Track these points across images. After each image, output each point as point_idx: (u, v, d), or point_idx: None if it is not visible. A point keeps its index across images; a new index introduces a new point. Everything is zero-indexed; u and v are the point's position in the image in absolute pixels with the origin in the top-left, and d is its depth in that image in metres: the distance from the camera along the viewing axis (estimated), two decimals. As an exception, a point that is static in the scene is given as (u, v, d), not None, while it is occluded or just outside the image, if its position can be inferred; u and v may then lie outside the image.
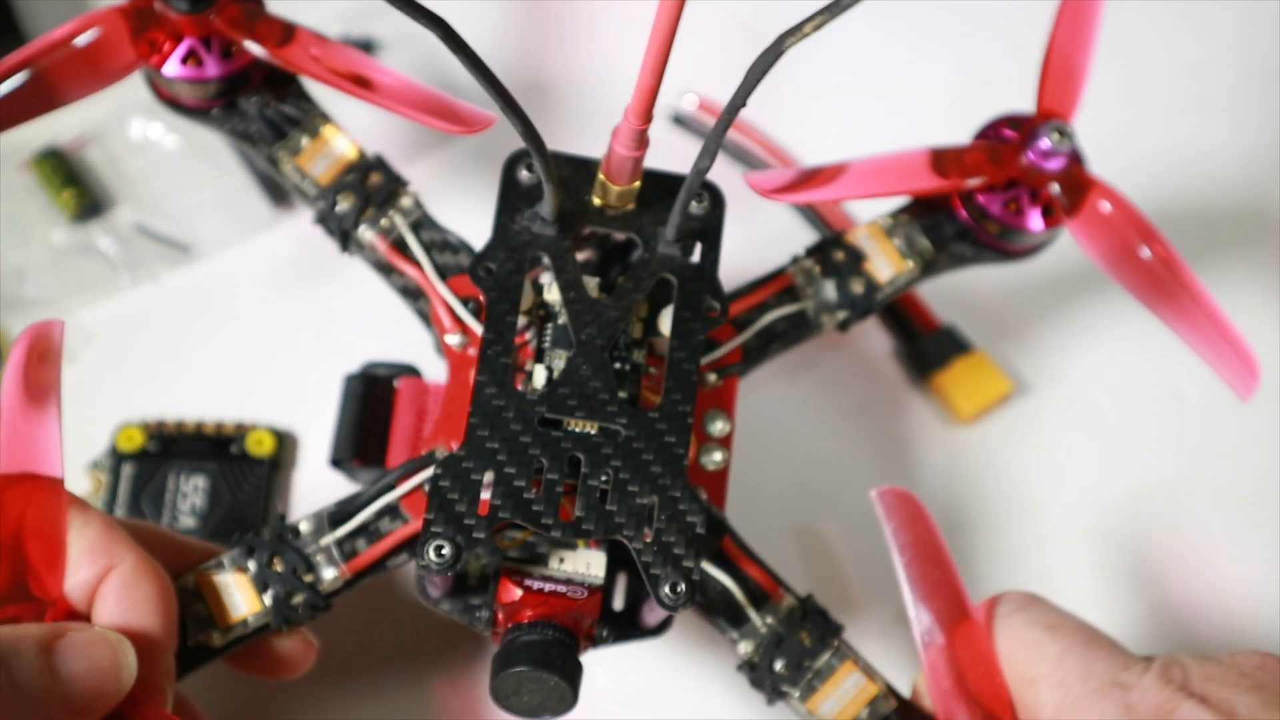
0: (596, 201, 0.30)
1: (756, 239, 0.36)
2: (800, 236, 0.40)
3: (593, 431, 0.28)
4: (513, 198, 0.30)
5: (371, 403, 0.33)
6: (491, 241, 0.29)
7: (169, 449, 0.36)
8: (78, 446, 0.36)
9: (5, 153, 0.41)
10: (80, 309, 0.39)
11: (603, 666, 0.34)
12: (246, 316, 0.39)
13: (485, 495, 0.27)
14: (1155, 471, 0.38)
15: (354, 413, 0.32)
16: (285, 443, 0.37)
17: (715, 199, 0.30)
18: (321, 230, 0.31)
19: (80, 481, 0.36)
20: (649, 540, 0.27)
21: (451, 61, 0.44)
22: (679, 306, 0.29)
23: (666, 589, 0.26)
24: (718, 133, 0.26)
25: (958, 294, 0.40)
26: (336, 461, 0.32)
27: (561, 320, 0.30)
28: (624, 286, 0.29)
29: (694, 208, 0.30)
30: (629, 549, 0.27)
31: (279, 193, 0.41)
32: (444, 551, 0.26)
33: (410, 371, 0.33)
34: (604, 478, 0.27)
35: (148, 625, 0.26)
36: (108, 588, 0.26)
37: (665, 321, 0.29)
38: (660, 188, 0.30)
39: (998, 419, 0.39)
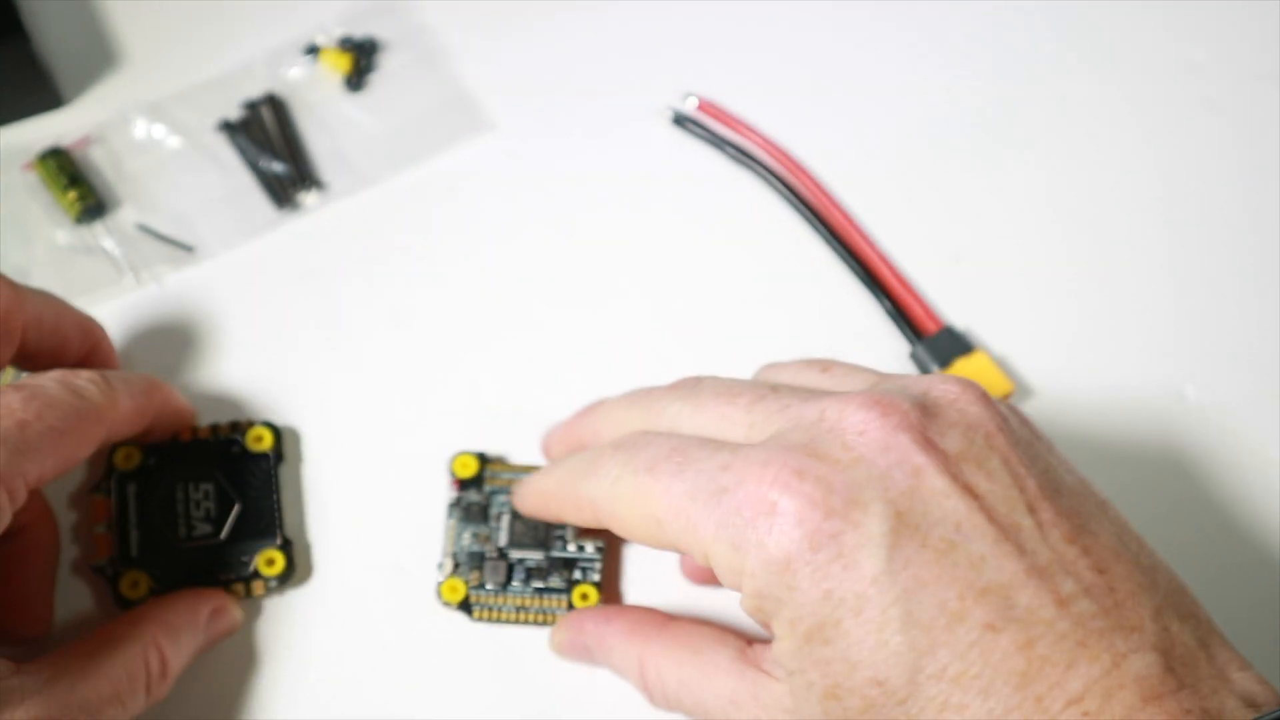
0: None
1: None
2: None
3: None
4: None
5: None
6: None
7: (169, 461, 0.35)
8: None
9: (9, 152, 0.41)
10: (84, 309, 0.39)
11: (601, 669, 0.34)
12: (251, 316, 0.39)
13: None
14: (1156, 471, 0.38)
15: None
16: (285, 436, 0.37)
17: None
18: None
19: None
20: None
21: (453, 62, 0.44)
22: None
23: None
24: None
25: (958, 294, 0.40)
26: None
27: None
28: None
29: None
30: None
31: (283, 193, 0.41)
32: None
33: None
34: None
35: None
36: None
37: None
38: None
39: (998, 419, 0.39)
